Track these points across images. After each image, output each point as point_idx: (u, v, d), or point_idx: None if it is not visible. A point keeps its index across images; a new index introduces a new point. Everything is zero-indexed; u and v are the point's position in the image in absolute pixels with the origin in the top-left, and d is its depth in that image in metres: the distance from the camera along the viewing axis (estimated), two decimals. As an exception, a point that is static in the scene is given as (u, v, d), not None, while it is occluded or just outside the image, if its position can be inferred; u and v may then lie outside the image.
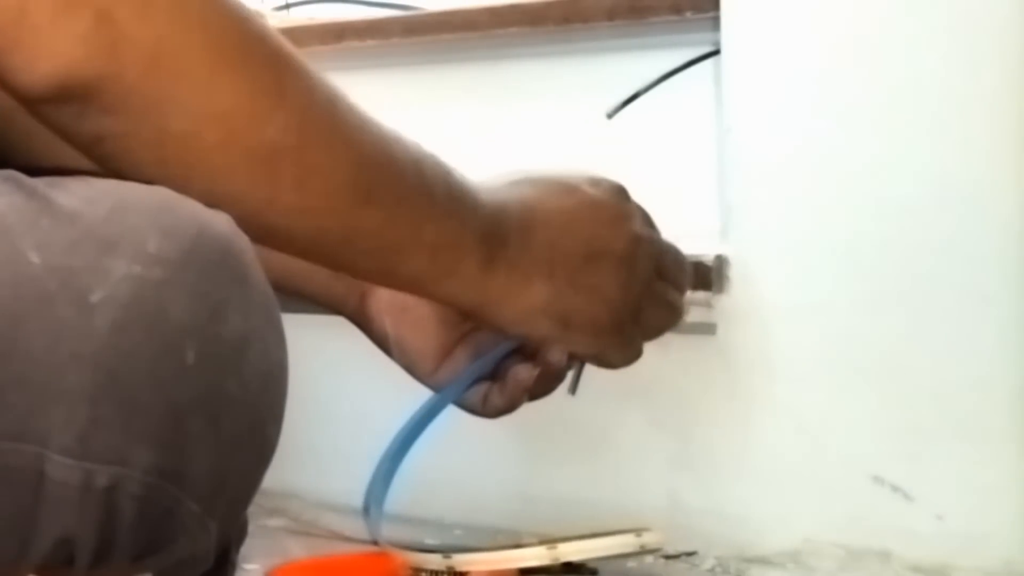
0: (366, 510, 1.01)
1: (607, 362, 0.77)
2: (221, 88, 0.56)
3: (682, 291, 0.80)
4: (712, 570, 0.98)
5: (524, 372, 0.78)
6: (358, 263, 0.67)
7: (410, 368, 0.81)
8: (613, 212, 0.74)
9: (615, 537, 0.95)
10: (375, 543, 1.00)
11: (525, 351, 0.80)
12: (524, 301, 0.70)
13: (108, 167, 0.57)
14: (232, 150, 0.57)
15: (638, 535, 0.96)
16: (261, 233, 0.61)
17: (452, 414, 0.84)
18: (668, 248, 0.78)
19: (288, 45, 0.60)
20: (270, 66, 0.58)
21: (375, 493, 0.94)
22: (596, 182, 0.76)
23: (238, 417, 0.56)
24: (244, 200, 0.59)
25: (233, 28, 0.57)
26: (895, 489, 0.93)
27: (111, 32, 0.53)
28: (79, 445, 0.52)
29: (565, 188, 0.74)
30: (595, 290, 0.72)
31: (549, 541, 0.93)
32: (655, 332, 0.78)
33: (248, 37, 0.58)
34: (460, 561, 0.93)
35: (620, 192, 0.76)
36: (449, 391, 0.81)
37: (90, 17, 0.53)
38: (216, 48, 0.56)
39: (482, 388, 0.80)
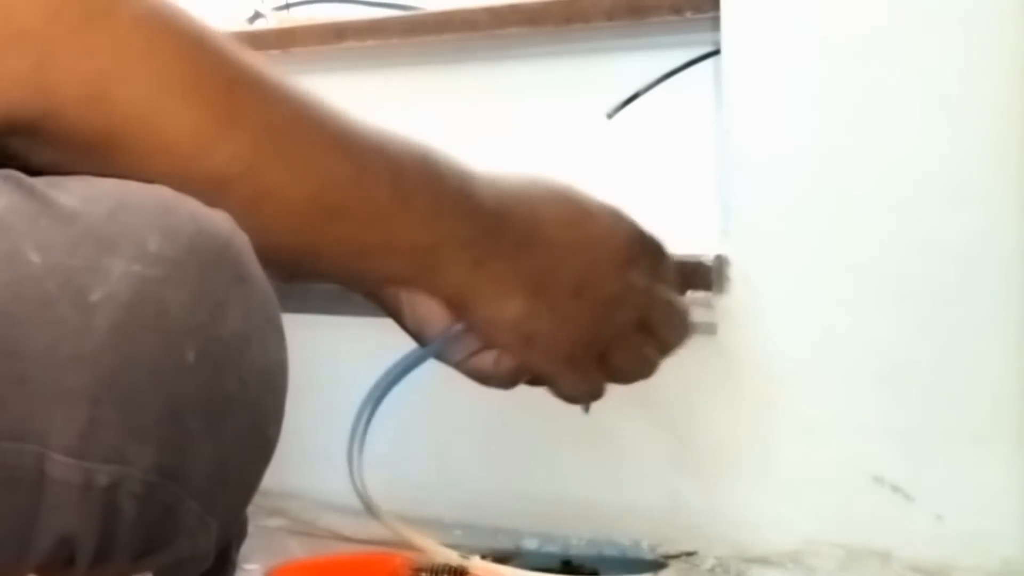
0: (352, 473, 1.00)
1: (556, 389, 0.76)
2: (165, 122, 0.56)
3: (665, 349, 0.78)
4: (712, 570, 0.98)
5: None
6: (324, 271, 0.66)
7: (418, 334, 0.78)
8: (618, 255, 0.73)
9: None
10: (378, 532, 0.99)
11: None
12: (498, 310, 0.70)
13: None
14: (177, 179, 0.56)
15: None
16: None
17: (448, 413, 0.83)
18: (663, 303, 0.77)
19: (252, 64, 0.58)
20: (222, 94, 0.57)
21: (355, 444, 0.92)
22: (619, 218, 0.74)
23: (238, 416, 0.56)
24: None
25: (182, 58, 0.57)
26: (895, 489, 0.93)
27: (52, 71, 0.53)
28: (80, 445, 0.52)
29: (583, 213, 0.73)
30: (569, 322, 0.72)
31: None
32: (622, 377, 0.77)
33: (199, 66, 0.57)
34: (476, 565, 0.93)
35: (636, 237, 0.75)
36: (437, 343, 0.78)
37: (33, 56, 0.53)
38: (161, 82, 0.55)
39: (492, 352, 0.76)
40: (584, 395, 0.77)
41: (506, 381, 0.77)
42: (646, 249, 0.76)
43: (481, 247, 0.67)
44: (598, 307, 0.72)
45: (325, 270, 0.66)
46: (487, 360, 0.76)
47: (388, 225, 0.64)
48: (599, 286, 0.72)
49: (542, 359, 0.73)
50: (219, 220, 0.57)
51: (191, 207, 0.56)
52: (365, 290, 0.76)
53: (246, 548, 0.71)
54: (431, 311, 0.74)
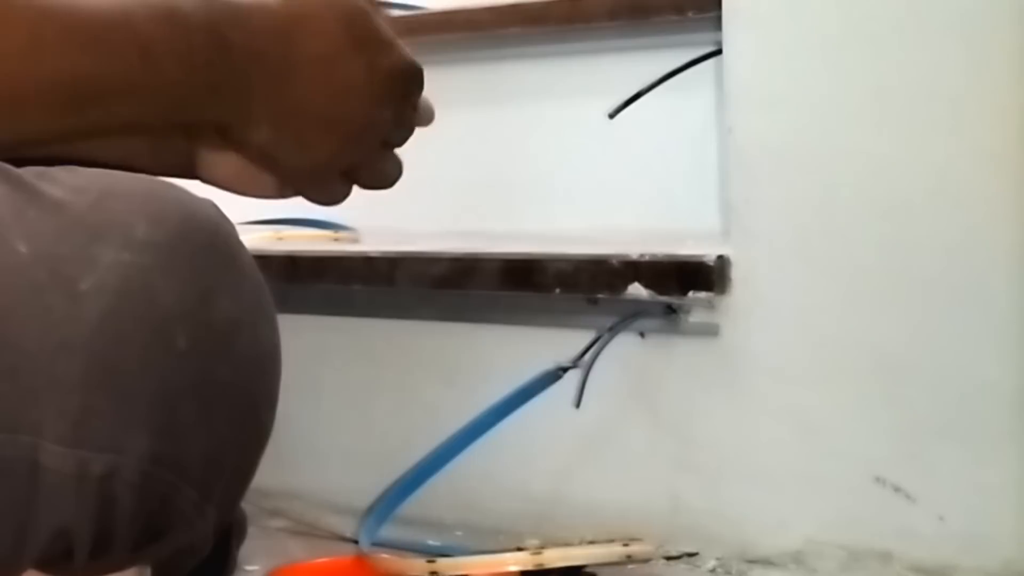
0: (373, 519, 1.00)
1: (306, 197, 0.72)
2: None
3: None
4: (713, 571, 0.98)
5: None
6: (81, 157, 0.62)
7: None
8: (373, 94, 0.68)
9: (601, 546, 0.96)
10: (356, 542, 1.00)
11: None
12: (249, 136, 0.66)
13: None
14: None
15: (626, 545, 0.97)
16: None
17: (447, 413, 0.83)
18: (406, 127, 0.72)
19: None
20: None
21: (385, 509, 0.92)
22: (387, 55, 0.68)
23: (231, 401, 0.56)
24: None
25: None
26: (897, 490, 0.93)
27: None
28: (73, 433, 0.52)
29: (346, 49, 0.67)
30: (311, 150, 0.68)
31: (537, 547, 0.94)
32: (365, 187, 0.73)
33: None
34: (444, 565, 0.93)
35: (397, 76, 0.69)
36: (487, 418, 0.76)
37: None
38: None
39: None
40: (328, 203, 0.72)
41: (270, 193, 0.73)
42: (403, 88, 0.70)
43: (229, 95, 0.63)
44: (342, 140, 0.68)
45: (82, 155, 0.62)
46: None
47: (142, 104, 0.60)
48: (346, 121, 0.68)
49: (285, 177, 0.70)
50: (207, 206, 0.57)
51: (178, 194, 0.56)
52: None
53: (247, 549, 0.71)
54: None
